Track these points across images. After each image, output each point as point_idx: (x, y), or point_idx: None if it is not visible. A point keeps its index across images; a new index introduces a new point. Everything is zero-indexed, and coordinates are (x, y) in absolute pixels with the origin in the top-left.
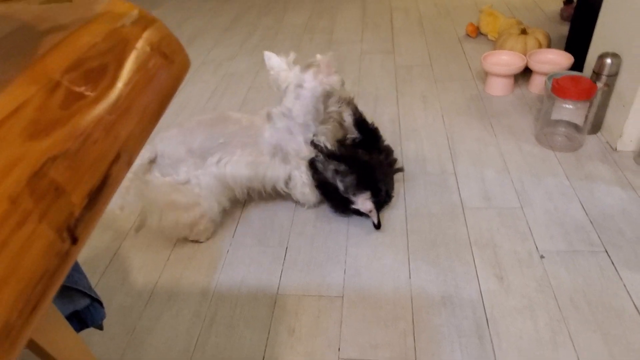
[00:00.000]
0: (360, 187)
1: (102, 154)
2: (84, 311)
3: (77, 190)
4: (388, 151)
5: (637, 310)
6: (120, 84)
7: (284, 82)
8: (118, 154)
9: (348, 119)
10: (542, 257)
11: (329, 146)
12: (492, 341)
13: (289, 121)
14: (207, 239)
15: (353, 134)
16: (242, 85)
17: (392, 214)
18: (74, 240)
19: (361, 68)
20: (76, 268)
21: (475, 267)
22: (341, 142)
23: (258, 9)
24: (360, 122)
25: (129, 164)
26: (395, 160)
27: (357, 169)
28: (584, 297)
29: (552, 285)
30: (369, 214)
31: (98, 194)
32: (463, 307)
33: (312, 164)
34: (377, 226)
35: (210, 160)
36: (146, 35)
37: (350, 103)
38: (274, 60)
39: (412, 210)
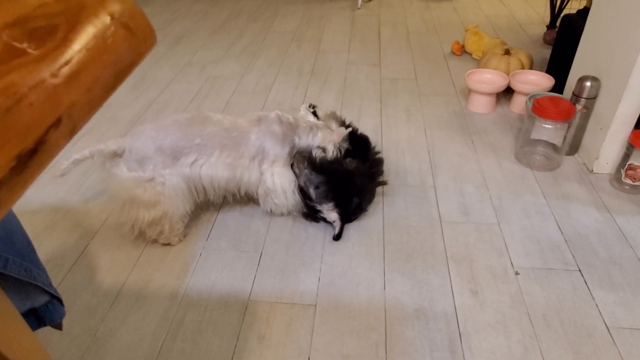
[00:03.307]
0: (328, 197)
1: (38, 117)
2: (42, 309)
3: (4, 150)
4: (376, 162)
5: (608, 329)
6: (69, 48)
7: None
8: (59, 119)
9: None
10: (517, 273)
11: (317, 159)
12: (464, 356)
13: (289, 130)
14: (179, 241)
15: (343, 146)
16: (226, 88)
17: (370, 224)
18: None
19: (347, 78)
20: (35, 263)
21: (451, 281)
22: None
23: (247, 15)
24: (351, 134)
25: (72, 132)
26: (379, 173)
27: (334, 180)
28: (557, 315)
29: (525, 302)
30: (333, 224)
31: (30, 159)
32: (437, 320)
33: (291, 167)
34: (336, 237)
35: (184, 161)
36: (108, 3)
37: (337, 118)
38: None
39: (390, 221)
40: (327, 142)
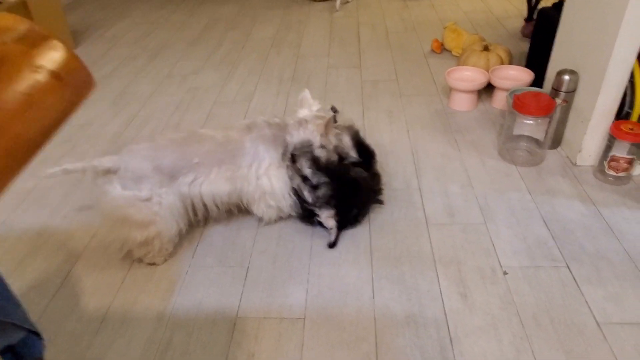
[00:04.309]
0: (330, 203)
1: None
2: (20, 344)
3: None
4: (376, 177)
5: (598, 325)
6: None
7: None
8: None
9: (346, 139)
10: (505, 273)
11: (322, 158)
12: None
13: (279, 132)
14: (165, 261)
15: (351, 156)
16: (207, 99)
17: (357, 231)
18: None
19: (327, 82)
20: (8, 299)
21: (439, 285)
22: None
23: (225, 23)
24: (360, 144)
25: None
26: (380, 189)
27: (338, 185)
28: (547, 313)
29: (515, 302)
30: (329, 231)
31: None
32: (427, 326)
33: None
34: (331, 245)
35: (182, 180)
36: (34, 53)
37: (350, 128)
38: (307, 97)
39: (377, 227)
40: (316, 134)
